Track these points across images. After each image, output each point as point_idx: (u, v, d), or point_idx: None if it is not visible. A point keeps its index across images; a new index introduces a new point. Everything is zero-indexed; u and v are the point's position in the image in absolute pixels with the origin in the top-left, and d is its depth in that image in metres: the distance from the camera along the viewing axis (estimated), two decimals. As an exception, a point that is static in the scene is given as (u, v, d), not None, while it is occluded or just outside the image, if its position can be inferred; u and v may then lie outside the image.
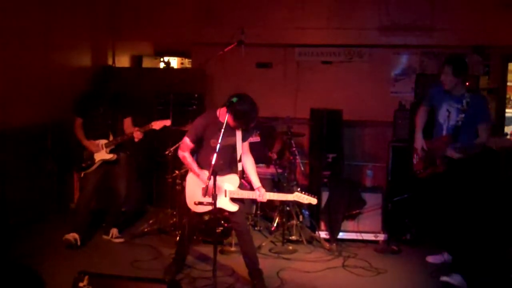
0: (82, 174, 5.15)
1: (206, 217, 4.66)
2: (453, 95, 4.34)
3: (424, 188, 4.76)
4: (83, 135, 5.09)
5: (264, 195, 4.09)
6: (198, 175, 4.09)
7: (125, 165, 5.28)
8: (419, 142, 4.57)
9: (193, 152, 4.24)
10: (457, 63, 4.31)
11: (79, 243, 4.95)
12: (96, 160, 5.07)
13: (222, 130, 3.77)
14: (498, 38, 6.33)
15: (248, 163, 4.24)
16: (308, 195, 4.06)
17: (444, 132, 4.38)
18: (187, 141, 4.14)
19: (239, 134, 4.11)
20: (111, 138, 5.09)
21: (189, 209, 4.22)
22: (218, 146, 3.73)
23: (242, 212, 4.23)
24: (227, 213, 4.26)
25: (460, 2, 6.50)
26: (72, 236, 4.93)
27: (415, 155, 4.64)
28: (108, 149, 5.08)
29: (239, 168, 4.17)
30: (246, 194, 4.14)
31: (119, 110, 5.18)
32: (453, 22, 6.51)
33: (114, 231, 5.28)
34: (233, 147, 4.11)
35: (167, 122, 5.01)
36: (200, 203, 3.89)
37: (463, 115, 4.22)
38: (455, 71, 4.25)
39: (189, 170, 4.24)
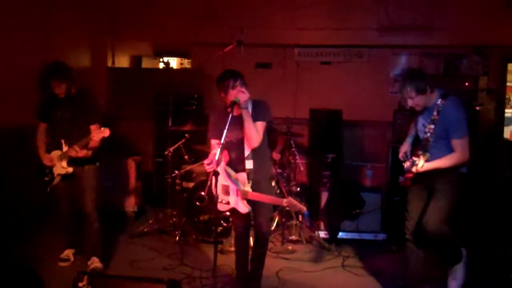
0: (48, 189, 4.47)
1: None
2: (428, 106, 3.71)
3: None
4: (42, 144, 4.48)
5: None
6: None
7: (91, 179, 4.42)
8: (403, 147, 3.97)
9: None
10: (414, 78, 3.61)
11: (71, 258, 4.68)
12: (55, 175, 4.43)
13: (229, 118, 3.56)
14: (498, 38, 6.32)
15: None
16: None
17: None
18: (210, 140, 3.93)
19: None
20: (64, 148, 4.31)
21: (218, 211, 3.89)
22: (224, 134, 3.50)
23: (265, 214, 3.92)
24: (226, 213, 4.22)
25: (459, 2, 6.51)
26: (66, 253, 4.69)
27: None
28: (64, 162, 4.34)
29: (248, 166, 3.74)
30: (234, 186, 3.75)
31: (79, 114, 4.34)
32: (453, 22, 6.51)
33: (95, 261, 4.47)
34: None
35: (106, 133, 4.07)
36: (221, 202, 3.77)
37: (432, 126, 3.57)
38: (418, 89, 3.56)
39: None
